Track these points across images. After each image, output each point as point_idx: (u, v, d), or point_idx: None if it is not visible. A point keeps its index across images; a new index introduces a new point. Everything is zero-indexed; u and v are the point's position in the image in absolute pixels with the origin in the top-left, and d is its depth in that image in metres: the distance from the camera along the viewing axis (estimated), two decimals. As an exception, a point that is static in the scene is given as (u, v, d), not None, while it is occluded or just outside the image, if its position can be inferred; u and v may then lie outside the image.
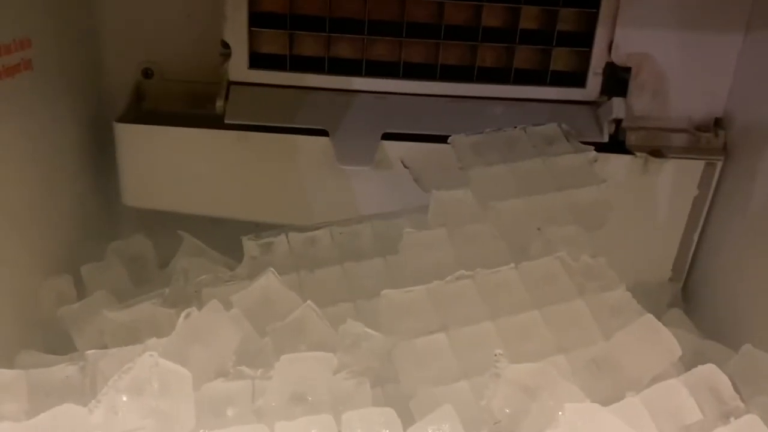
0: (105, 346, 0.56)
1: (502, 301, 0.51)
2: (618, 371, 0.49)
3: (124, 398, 0.42)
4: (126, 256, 0.69)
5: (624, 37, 0.75)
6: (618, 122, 0.77)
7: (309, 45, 0.75)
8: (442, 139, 0.66)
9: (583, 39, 0.76)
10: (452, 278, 0.52)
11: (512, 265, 0.54)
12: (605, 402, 0.45)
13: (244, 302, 0.52)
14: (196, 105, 0.78)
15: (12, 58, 0.58)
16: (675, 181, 0.77)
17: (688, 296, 0.82)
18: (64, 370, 0.51)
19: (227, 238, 0.72)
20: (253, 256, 0.64)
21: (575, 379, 0.47)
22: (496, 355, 0.45)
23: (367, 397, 0.47)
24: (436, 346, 0.47)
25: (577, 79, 0.77)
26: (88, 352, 0.50)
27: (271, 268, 0.54)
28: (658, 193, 0.77)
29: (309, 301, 0.50)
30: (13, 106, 0.58)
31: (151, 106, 0.78)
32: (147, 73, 0.78)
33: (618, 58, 0.76)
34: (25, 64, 0.60)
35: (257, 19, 0.73)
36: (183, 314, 0.46)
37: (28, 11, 0.60)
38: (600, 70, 0.77)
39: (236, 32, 0.73)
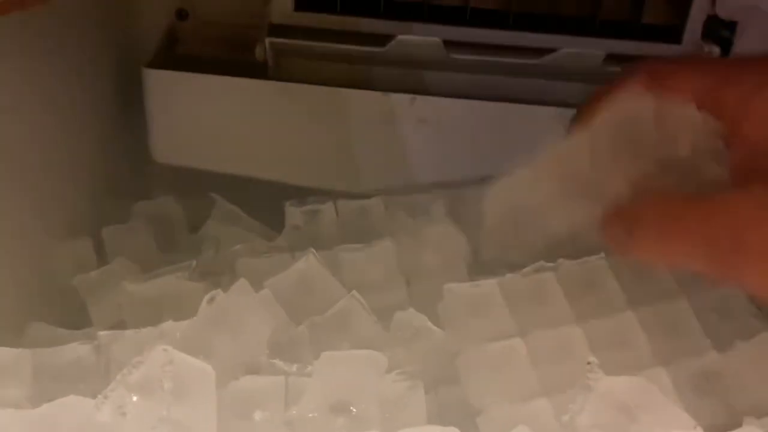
0: (123, 322, 0.49)
1: (591, 300, 0.42)
2: (733, 391, 0.40)
3: (135, 398, 0.35)
4: (152, 218, 0.62)
5: (732, -14, 0.64)
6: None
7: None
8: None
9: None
10: (530, 270, 0.43)
11: (602, 254, 0.45)
12: (717, 429, 0.37)
13: (279, 287, 0.44)
14: (235, 50, 0.70)
15: (23, -13, 0.50)
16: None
17: None
18: (74, 350, 0.45)
19: (266, 204, 0.65)
20: (295, 224, 0.56)
21: (680, 399, 0.39)
22: (589, 363, 0.36)
23: (420, 404, 0.39)
24: (511, 354, 0.39)
25: (672, 33, 0.66)
26: (101, 333, 0.43)
27: (312, 250, 0.46)
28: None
29: (354, 292, 0.42)
30: (22, 44, 0.51)
31: (185, 50, 0.70)
32: (181, 14, 0.70)
33: (723, 10, 0.64)
34: (40, -4, 0.52)
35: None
36: (206, 297, 0.39)
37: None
38: (699, 25, 0.65)
39: (282, -32, 0.64)
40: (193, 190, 0.68)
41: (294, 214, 0.56)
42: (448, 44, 0.64)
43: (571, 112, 0.64)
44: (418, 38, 0.62)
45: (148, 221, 0.61)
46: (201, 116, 0.66)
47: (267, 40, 0.63)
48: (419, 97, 0.65)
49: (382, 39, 0.64)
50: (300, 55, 0.66)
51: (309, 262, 0.47)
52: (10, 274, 0.51)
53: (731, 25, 0.65)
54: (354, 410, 0.36)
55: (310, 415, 0.36)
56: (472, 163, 0.67)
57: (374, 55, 0.65)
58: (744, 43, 0.66)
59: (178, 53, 0.70)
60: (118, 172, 0.68)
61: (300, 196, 0.64)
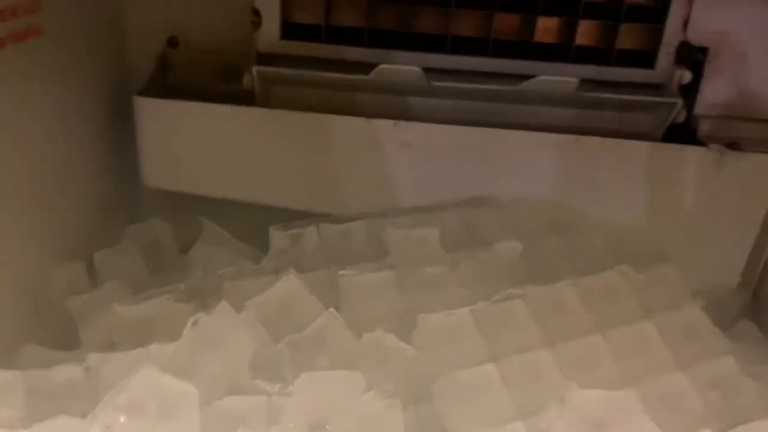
0: (114, 344, 0.51)
1: (559, 325, 0.44)
2: (697, 408, 0.42)
3: (122, 419, 0.37)
4: (143, 241, 0.64)
5: (702, 13, 0.66)
6: (690, 109, 0.68)
7: (347, 14, 0.68)
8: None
9: (655, 13, 0.67)
10: (500, 298, 0.45)
11: (569, 281, 0.47)
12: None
13: (261, 306, 0.46)
14: (224, 77, 0.72)
15: (19, 23, 0.52)
16: (752, 178, 0.68)
17: (760, 304, 0.74)
18: (66, 371, 0.47)
19: (253, 226, 0.67)
20: (280, 248, 0.58)
21: (648, 415, 0.40)
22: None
23: (398, 422, 0.41)
24: (485, 380, 0.41)
25: (646, 58, 0.69)
26: (90, 355, 0.45)
27: (293, 270, 0.48)
28: (732, 191, 0.68)
29: (332, 309, 0.44)
30: (20, 75, 0.53)
31: (176, 78, 0.72)
32: (172, 42, 0.72)
33: (694, 36, 0.67)
34: (34, 29, 0.54)
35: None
36: (191, 320, 0.41)
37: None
38: (672, 50, 0.68)
39: (268, 0, 0.66)
40: (182, 212, 0.70)
41: (279, 237, 0.58)
42: (429, 71, 0.66)
43: (549, 137, 0.67)
44: (400, 67, 0.64)
45: (139, 244, 0.63)
46: (190, 142, 0.68)
47: (254, 69, 0.65)
48: (402, 123, 0.67)
49: (366, 66, 0.66)
50: (286, 83, 0.68)
51: (289, 282, 0.49)
52: (5, 296, 0.53)
53: (703, 51, 0.68)
54: (331, 429, 0.37)
55: (290, 433, 0.37)
56: (454, 185, 0.69)
57: (358, 82, 0.67)
58: (715, 68, 0.68)
59: (169, 80, 0.72)
60: (110, 196, 0.70)
61: (287, 219, 0.67)
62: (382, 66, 0.64)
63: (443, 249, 0.57)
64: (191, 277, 0.57)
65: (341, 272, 0.51)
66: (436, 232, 0.56)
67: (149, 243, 0.64)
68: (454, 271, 0.52)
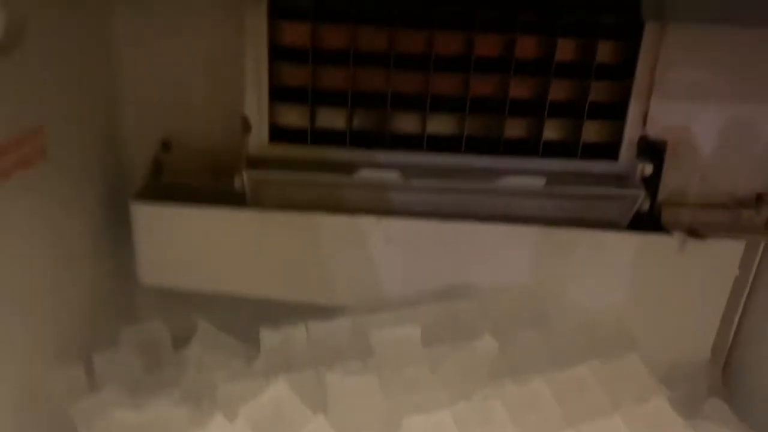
0: (113, 450, 0.54)
1: (534, 421, 0.48)
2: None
3: None
4: (140, 341, 0.67)
5: (660, 110, 0.72)
6: (653, 198, 0.73)
7: (330, 118, 0.73)
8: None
9: (616, 110, 0.72)
10: (479, 398, 0.49)
11: (543, 378, 0.50)
12: None
13: (254, 413, 0.49)
14: (216, 177, 0.76)
15: (24, 149, 0.56)
16: (714, 262, 0.72)
17: (729, 379, 0.77)
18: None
19: (245, 318, 0.70)
20: (271, 347, 0.61)
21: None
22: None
23: None
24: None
25: (610, 151, 0.74)
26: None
27: (283, 375, 0.51)
28: (696, 274, 0.73)
29: (320, 416, 0.48)
30: (25, 197, 0.57)
31: (170, 178, 0.76)
32: (166, 146, 0.76)
33: (653, 131, 0.72)
34: (38, 153, 0.59)
35: (278, 93, 0.71)
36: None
37: (41, 97, 0.59)
38: (634, 144, 0.73)
39: (257, 107, 0.71)
40: (176, 306, 0.73)
41: (269, 338, 0.61)
42: (408, 168, 0.71)
43: (521, 229, 0.72)
44: (380, 173, 0.68)
45: (136, 345, 0.66)
46: (185, 242, 0.71)
47: (244, 173, 0.70)
48: (384, 219, 0.71)
49: (350, 166, 0.71)
50: (275, 183, 0.73)
51: (279, 388, 0.52)
52: (4, 398, 0.56)
53: (662, 144, 0.73)
54: None
55: None
56: (434, 276, 0.73)
57: (342, 181, 0.71)
58: (675, 160, 0.73)
59: (163, 182, 0.76)
60: (107, 295, 0.73)
61: (277, 310, 0.70)
62: (363, 171, 0.68)
63: (425, 344, 0.61)
64: (186, 377, 0.60)
65: (328, 375, 0.54)
66: (418, 331, 0.59)
67: (146, 343, 0.67)
68: (434, 372, 0.55)
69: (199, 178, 0.76)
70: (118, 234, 0.74)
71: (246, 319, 0.70)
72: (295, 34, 0.69)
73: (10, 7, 0.50)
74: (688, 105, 0.72)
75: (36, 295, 0.60)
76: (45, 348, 0.62)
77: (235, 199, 0.72)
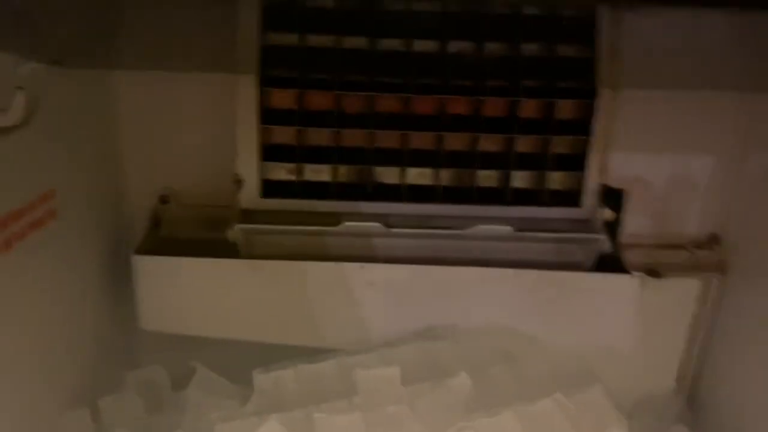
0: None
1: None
2: None
3: None
4: (142, 384, 0.72)
5: (617, 160, 0.78)
6: (614, 241, 0.79)
7: (317, 173, 0.79)
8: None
9: (577, 162, 0.79)
10: (454, 431, 0.54)
11: (513, 410, 0.56)
12: None
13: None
14: (210, 228, 0.81)
15: (37, 212, 0.62)
16: (673, 299, 0.79)
17: (695, 407, 0.83)
18: None
19: (240, 359, 0.75)
20: (262, 389, 0.66)
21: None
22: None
23: None
24: None
25: (572, 198, 0.80)
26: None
27: (274, 416, 0.56)
28: (657, 310, 0.79)
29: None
30: (37, 256, 0.62)
31: (168, 230, 0.82)
32: (164, 200, 0.82)
33: (611, 180, 0.79)
34: (50, 214, 0.64)
35: (268, 151, 0.77)
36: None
37: (52, 164, 0.65)
38: (594, 191, 0.79)
39: (248, 165, 0.77)
40: (176, 348, 0.78)
41: (261, 380, 0.66)
42: (389, 217, 0.77)
43: (492, 271, 0.78)
44: (362, 224, 0.74)
45: (138, 388, 0.71)
46: (183, 291, 0.77)
47: (237, 226, 0.76)
48: (367, 265, 0.77)
49: (335, 216, 0.77)
50: (266, 233, 0.79)
51: (271, 427, 0.57)
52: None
53: (621, 191, 0.79)
54: None
55: None
56: (413, 317, 0.79)
57: (328, 231, 0.77)
58: (632, 206, 0.80)
59: (162, 233, 0.82)
60: (110, 341, 0.78)
61: (269, 351, 0.75)
62: (347, 222, 0.74)
63: (405, 382, 0.66)
64: (186, 418, 0.65)
65: (316, 415, 0.59)
66: (398, 371, 0.65)
67: (147, 386, 0.72)
68: (413, 408, 0.61)
69: (195, 231, 0.82)
70: (120, 284, 0.79)
71: (240, 362, 0.75)
72: (283, 98, 0.76)
73: (27, 89, 0.57)
74: (642, 156, 0.79)
75: (44, 345, 0.65)
76: (53, 395, 0.67)
77: (228, 249, 0.78)
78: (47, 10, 0.55)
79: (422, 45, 0.76)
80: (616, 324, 0.79)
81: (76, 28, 0.56)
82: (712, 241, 0.81)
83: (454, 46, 0.76)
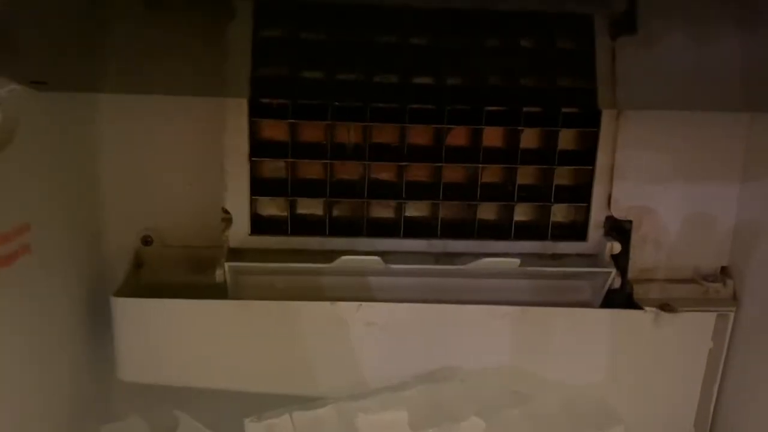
0: None
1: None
2: None
3: None
4: (119, 440, 0.65)
5: (622, 191, 0.75)
6: (623, 275, 0.76)
7: (309, 208, 0.75)
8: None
9: (581, 193, 0.76)
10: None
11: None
12: None
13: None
14: (196, 270, 0.77)
15: (11, 246, 0.57)
16: (688, 335, 0.75)
17: (713, 452, 0.78)
18: None
19: (228, 410, 0.69)
20: (254, 439, 0.60)
21: None
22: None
23: None
24: None
25: (578, 232, 0.77)
26: None
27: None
28: (672, 347, 0.75)
29: None
30: (8, 293, 0.57)
31: (150, 273, 0.77)
32: (146, 241, 0.78)
33: (618, 211, 0.76)
34: (24, 249, 0.59)
35: (258, 186, 0.73)
36: None
37: (28, 197, 0.60)
38: (600, 224, 0.76)
39: (237, 199, 0.73)
40: (158, 401, 0.72)
41: (253, 429, 0.60)
42: (386, 254, 0.73)
43: (498, 309, 0.73)
44: (360, 258, 0.70)
45: (116, 444, 0.64)
46: (166, 337, 0.71)
47: (226, 265, 0.71)
48: (365, 304, 0.73)
49: (329, 254, 0.73)
50: (256, 273, 0.74)
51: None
52: None
53: (628, 224, 0.76)
54: None
55: None
56: (416, 359, 0.73)
57: (322, 269, 0.73)
58: (640, 238, 0.77)
59: (144, 276, 0.77)
60: (87, 392, 0.72)
61: (260, 403, 0.69)
62: (343, 257, 0.70)
63: (412, 428, 0.60)
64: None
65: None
66: (405, 414, 0.59)
67: (126, 441, 0.65)
68: (423, 454, 0.55)
69: (179, 273, 0.77)
70: (98, 329, 0.73)
71: (228, 414, 0.69)
72: (274, 130, 0.73)
73: (3, 108, 0.53)
74: (649, 186, 0.76)
75: (13, 390, 0.59)
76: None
77: (215, 292, 0.73)
78: (27, 28, 0.51)
79: (419, 76, 0.74)
80: (629, 363, 0.75)
81: (57, 48, 0.53)
82: (724, 274, 0.78)
83: (451, 77, 0.74)
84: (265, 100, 0.71)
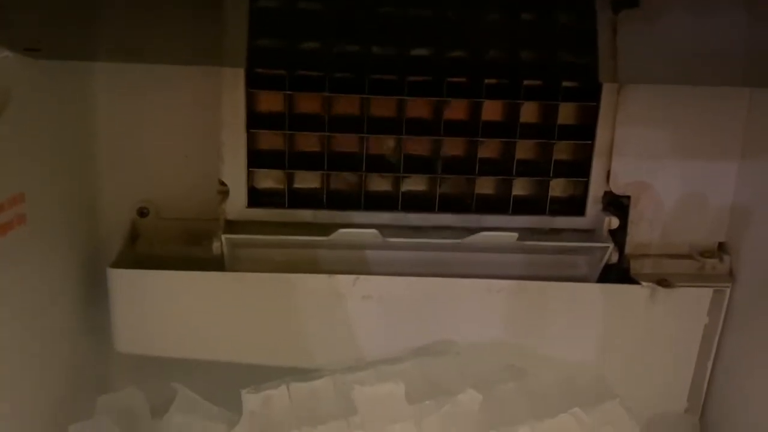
0: None
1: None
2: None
3: None
4: (116, 410, 0.65)
5: (621, 167, 0.75)
6: (621, 250, 0.76)
7: (307, 181, 0.75)
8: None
9: (580, 168, 0.75)
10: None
11: (527, 427, 0.51)
12: None
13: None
14: (192, 242, 0.76)
15: (6, 215, 0.57)
16: (684, 310, 0.75)
17: (708, 427, 0.78)
18: None
19: (224, 383, 0.69)
20: (252, 410, 0.61)
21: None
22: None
23: None
24: None
25: (576, 207, 0.77)
26: None
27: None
28: (667, 323, 0.75)
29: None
30: (4, 262, 0.56)
31: (146, 245, 0.76)
32: (142, 213, 0.77)
33: (616, 187, 0.75)
34: (19, 219, 0.59)
35: (255, 159, 0.73)
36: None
37: (23, 167, 0.60)
38: (599, 199, 0.76)
39: (234, 172, 0.72)
40: (153, 374, 0.72)
41: (250, 400, 0.60)
42: (384, 228, 0.73)
43: (495, 283, 0.73)
44: (358, 231, 0.70)
45: (113, 414, 0.64)
46: (162, 308, 0.71)
47: (223, 237, 0.70)
48: (362, 278, 0.72)
49: (326, 228, 0.72)
50: (253, 246, 0.73)
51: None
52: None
53: (626, 198, 0.76)
54: None
55: None
56: (413, 333, 0.74)
57: (320, 242, 0.72)
58: (638, 212, 0.77)
59: (140, 248, 0.76)
60: (85, 364, 0.72)
61: (257, 375, 0.69)
62: (341, 230, 0.70)
63: (409, 400, 0.61)
64: (166, 446, 0.59)
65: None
66: (402, 387, 0.59)
67: (123, 411, 0.66)
68: (420, 426, 0.55)
69: (176, 245, 0.76)
70: (94, 301, 0.73)
71: (225, 385, 0.69)
72: (271, 101, 0.72)
73: (-4, 78, 0.52)
74: (648, 161, 0.76)
75: (9, 362, 0.59)
76: (18, 419, 0.60)
77: (212, 265, 0.73)
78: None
79: (418, 48, 0.73)
80: (625, 338, 0.75)
81: (51, 14, 0.52)
82: (721, 250, 0.78)
83: (451, 49, 0.73)
84: (263, 71, 0.70)
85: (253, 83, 0.70)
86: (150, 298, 0.71)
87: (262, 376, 0.69)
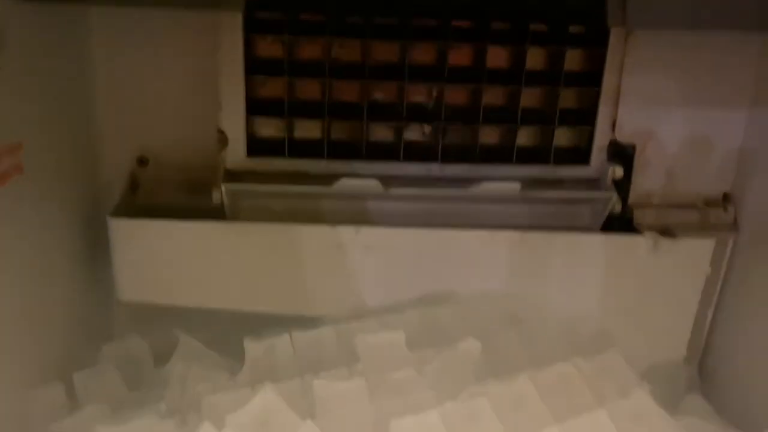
0: (97, 467, 0.53)
1: (520, 419, 0.48)
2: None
3: None
4: (120, 358, 0.66)
5: (627, 115, 0.74)
6: (624, 200, 0.75)
7: (307, 130, 0.74)
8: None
9: (586, 117, 0.74)
10: (465, 397, 0.49)
11: (527, 375, 0.51)
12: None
13: (241, 422, 0.49)
14: (193, 192, 0.76)
15: (2, 165, 0.56)
16: (686, 261, 0.74)
17: (706, 376, 0.79)
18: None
19: (225, 331, 0.70)
20: (255, 358, 0.61)
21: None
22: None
23: None
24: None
25: (581, 156, 0.76)
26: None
27: (269, 384, 0.51)
28: (669, 273, 0.75)
29: (309, 421, 0.48)
30: (2, 212, 0.56)
31: (146, 195, 0.76)
32: (142, 161, 0.76)
33: (622, 135, 0.74)
34: (16, 169, 0.58)
35: (254, 106, 0.71)
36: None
37: (19, 115, 0.59)
38: (604, 148, 0.75)
39: (233, 119, 0.71)
40: (155, 322, 0.72)
41: (253, 348, 0.61)
42: (385, 178, 0.72)
43: (497, 234, 0.73)
44: (359, 181, 0.69)
45: (116, 362, 0.65)
46: (163, 257, 0.71)
47: (223, 186, 0.70)
48: (364, 228, 0.72)
49: (328, 177, 0.71)
50: (253, 196, 0.73)
51: (266, 397, 0.52)
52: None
53: (631, 147, 0.75)
54: None
55: None
56: (414, 283, 0.74)
57: (321, 192, 0.72)
58: (643, 163, 0.76)
59: (140, 197, 0.76)
60: (88, 313, 0.72)
61: (258, 323, 0.70)
62: (343, 180, 0.69)
63: (410, 348, 0.61)
64: (170, 393, 0.59)
65: (315, 381, 0.54)
66: (402, 335, 0.60)
67: (127, 359, 0.66)
68: (420, 373, 0.56)
69: (176, 194, 0.76)
70: (95, 251, 0.73)
71: (227, 333, 0.70)
72: (271, 47, 0.70)
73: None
74: (654, 110, 0.74)
75: (12, 313, 0.59)
76: (22, 368, 0.61)
77: (212, 214, 0.72)
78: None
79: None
80: (627, 287, 0.75)
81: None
82: (726, 200, 0.77)
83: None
84: (261, 15, 0.68)
85: (252, 27, 0.68)
86: (151, 247, 0.70)
87: (263, 324, 0.69)
